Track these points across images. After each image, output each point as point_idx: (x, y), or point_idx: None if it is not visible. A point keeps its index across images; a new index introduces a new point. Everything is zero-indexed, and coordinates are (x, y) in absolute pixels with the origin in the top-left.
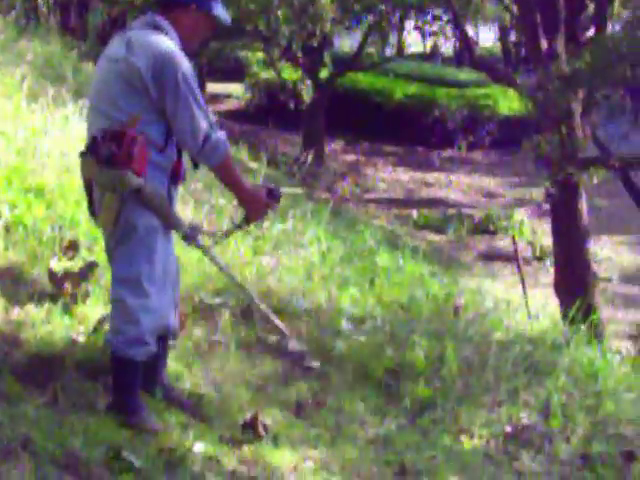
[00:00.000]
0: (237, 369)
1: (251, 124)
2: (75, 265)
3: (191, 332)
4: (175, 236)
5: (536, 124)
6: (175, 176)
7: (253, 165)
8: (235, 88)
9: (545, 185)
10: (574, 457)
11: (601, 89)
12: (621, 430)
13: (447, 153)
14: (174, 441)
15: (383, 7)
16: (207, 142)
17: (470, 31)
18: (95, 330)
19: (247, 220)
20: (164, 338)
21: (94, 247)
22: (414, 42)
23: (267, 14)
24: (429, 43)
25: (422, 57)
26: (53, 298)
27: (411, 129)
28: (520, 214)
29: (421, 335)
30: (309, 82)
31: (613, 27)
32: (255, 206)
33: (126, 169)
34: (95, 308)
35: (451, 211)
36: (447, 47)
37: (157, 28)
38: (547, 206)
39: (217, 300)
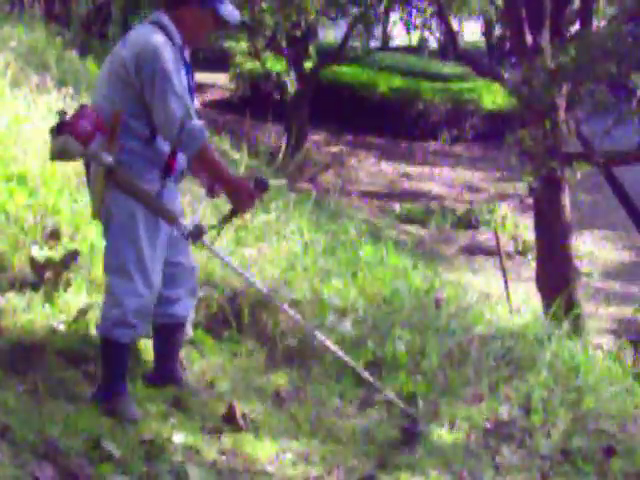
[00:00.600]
0: (218, 360)
1: (234, 114)
2: (57, 254)
3: None
4: None
5: (520, 118)
6: (168, 169)
7: (235, 155)
8: (219, 78)
9: (528, 180)
10: (554, 452)
11: (585, 84)
12: (601, 425)
13: (430, 146)
14: (154, 431)
15: None
16: (182, 131)
17: (455, 25)
18: (76, 319)
19: (233, 212)
20: (177, 326)
21: (76, 236)
22: (399, 35)
23: (252, 4)
24: (414, 36)
25: (407, 50)
26: (34, 286)
27: (395, 122)
28: (503, 208)
29: (403, 328)
30: (293, 73)
31: (598, 22)
32: (241, 197)
33: (68, 135)
34: (76, 297)
35: (434, 204)
36: (432, 41)
37: (157, 25)
38: (530, 200)
39: (201, 292)
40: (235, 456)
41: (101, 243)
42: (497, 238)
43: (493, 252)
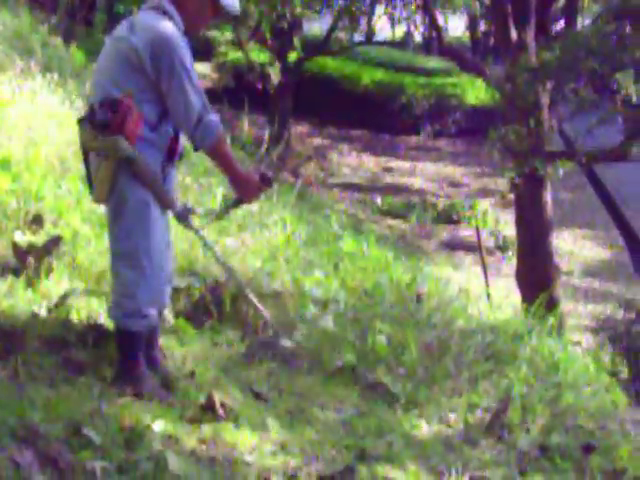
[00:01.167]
0: (198, 349)
1: (217, 104)
2: (39, 239)
3: None
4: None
5: (503, 115)
6: (171, 155)
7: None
8: (203, 68)
9: (510, 176)
10: (533, 447)
11: (569, 82)
12: (580, 422)
13: (413, 140)
14: (134, 419)
15: None
16: (200, 124)
17: (440, 19)
18: (57, 305)
19: (239, 202)
20: (160, 314)
21: (59, 221)
22: (384, 28)
23: None
24: (398, 30)
25: (391, 44)
26: (16, 272)
27: (377, 115)
28: (484, 204)
29: (384, 321)
30: (277, 64)
31: (583, 20)
32: (248, 189)
33: (118, 134)
34: (58, 283)
35: (415, 199)
36: (416, 35)
37: (162, 11)
38: (511, 197)
39: (183, 282)
40: (214, 445)
41: (84, 229)
42: (478, 234)
43: (473, 247)
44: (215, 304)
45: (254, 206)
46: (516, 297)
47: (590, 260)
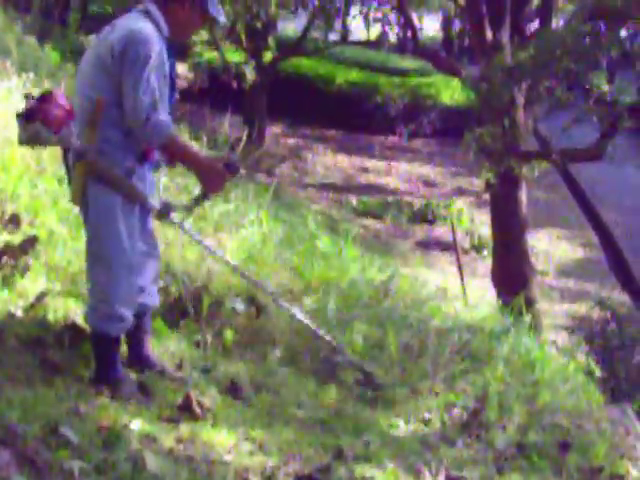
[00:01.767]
0: (175, 349)
1: (193, 104)
2: (16, 239)
3: None
4: None
5: (478, 115)
6: (144, 157)
7: (194, 146)
8: (178, 68)
9: (485, 176)
10: (510, 446)
11: (544, 82)
12: (557, 420)
13: (388, 140)
14: (112, 418)
15: None
16: (148, 123)
17: (415, 19)
18: (33, 305)
19: (205, 194)
20: (146, 314)
21: (35, 221)
22: (358, 29)
23: None
24: (373, 30)
25: (366, 44)
26: None
27: (352, 115)
28: (459, 204)
29: (360, 320)
30: (252, 64)
31: (558, 21)
32: (212, 179)
33: (39, 122)
34: (35, 282)
35: (390, 198)
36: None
37: (146, 15)
38: (486, 196)
39: (160, 281)
40: (192, 445)
41: (60, 229)
42: (454, 233)
43: (449, 247)
44: (192, 304)
45: (230, 206)
46: (492, 296)
47: (565, 259)
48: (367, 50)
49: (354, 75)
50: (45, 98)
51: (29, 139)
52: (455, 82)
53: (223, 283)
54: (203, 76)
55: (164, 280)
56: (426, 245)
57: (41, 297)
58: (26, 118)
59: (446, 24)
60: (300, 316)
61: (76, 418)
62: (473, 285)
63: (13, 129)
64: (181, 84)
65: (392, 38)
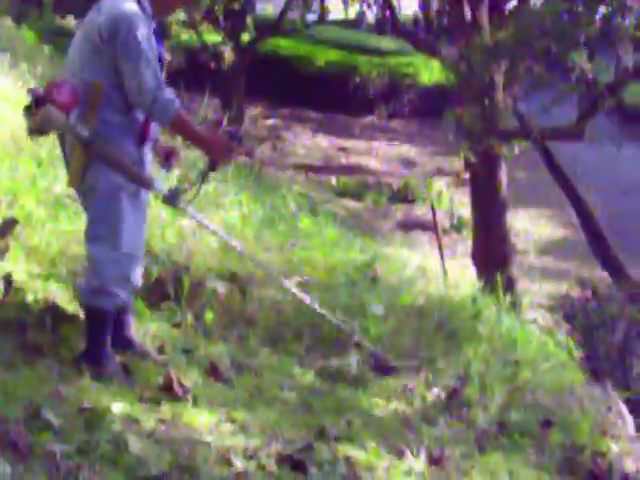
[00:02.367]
0: (156, 331)
1: (171, 86)
2: None
3: None
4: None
5: (457, 95)
6: (143, 137)
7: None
8: None
9: (465, 156)
10: (492, 425)
11: (524, 62)
12: (538, 399)
13: (367, 121)
14: (93, 400)
15: None
16: (155, 103)
17: None
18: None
19: (212, 166)
20: (129, 295)
21: (14, 204)
22: (337, 8)
23: None
24: (351, 10)
25: (344, 24)
26: None
27: (331, 96)
28: (439, 184)
29: (341, 300)
30: (230, 45)
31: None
32: (218, 150)
33: (49, 105)
34: (14, 264)
35: (370, 179)
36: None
37: None
38: (466, 176)
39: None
40: (174, 426)
41: (39, 211)
42: (434, 213)
43: (429, 227)
44: (173, 286)
45: (209, 186)
46: (472, 276)
47: (545, 238)
48: (346, 30)
49: (333, 55)
50: (53, 85)
51: (40, 125)
52: (434, 62)
53: (204, 264)
54: (181, 57)
55: (145, 262)
56: (406, 225)
57: (7, 279)
58: (36, 104)
59: (425, 3)
60: (308, 301)
61: (57, 400)
62: (453, 265)
63: None
64: None
65: (370, 18)
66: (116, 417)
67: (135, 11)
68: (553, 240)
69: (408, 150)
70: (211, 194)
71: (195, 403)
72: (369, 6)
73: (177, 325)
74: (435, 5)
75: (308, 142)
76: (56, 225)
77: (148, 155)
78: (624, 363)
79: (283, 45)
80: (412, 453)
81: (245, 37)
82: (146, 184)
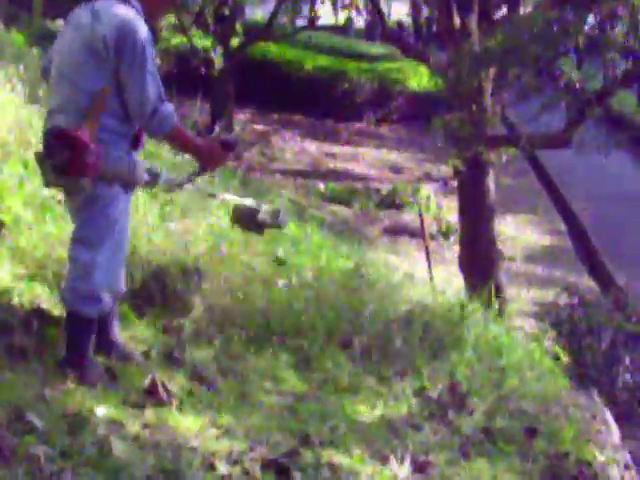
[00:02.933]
0: (141, 335)
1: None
2: None
3: None
4: None
5: (446, 101)
6: (135, 143)
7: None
8: None
9: (453, 162)
10: (477, 431)
11: (512, 69)
12: (523, 406)
13: (355, 126)
14: (77, 403)
15: None
16: (155, 116)
17: (383, 5)
18: None
19: (204, 170)
20: (115, 298)
21: (1, 206)
22: (326, 14)
23: None
24: (341, 15)
25: (334, 29)
26: None
27: (320, 101)
28: (427, 190)
29: (328, 305)
30: (220, 50)
31: (525, 7)
32: (212, 159)
33: (79, 175)
34: (0, 267)
35: (358, 184)
36: (358, 20)
37: (123, 1)
38: (454, 183)
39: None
40: (159, 430)
41: (26, 214)
42: (422, 219)
43: (416, 233)
44: (158, 290)
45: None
46: (459, 282)
47: (532, 245)
48: (335, 35)
49: (322, 60)
50: (78, 147)
51: (68, 190)
52: (423, 68)
53: (189, 267)
54: (171, 61)
55: (130, 266)
56: (394, 231)
57: None
58: (60, 169)
59: (415, 9)
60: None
61: (42, 403)
62: (441, 271)
63: None
64: None
65: (360, 23)
66: (100, 421)
67: (138, 18)
68: (540, 247)
69: (396, 156)
70: (198, 199)
71: (180, 407)
72: (359, 12)
73: (162, 329)
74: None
75: (296, 147)
76: (42, 227)
77: (137, 158)
78: (610, 370)
79: (273, 50)
80: (397, 459)
81: (235, 42)
82: (140, 181)
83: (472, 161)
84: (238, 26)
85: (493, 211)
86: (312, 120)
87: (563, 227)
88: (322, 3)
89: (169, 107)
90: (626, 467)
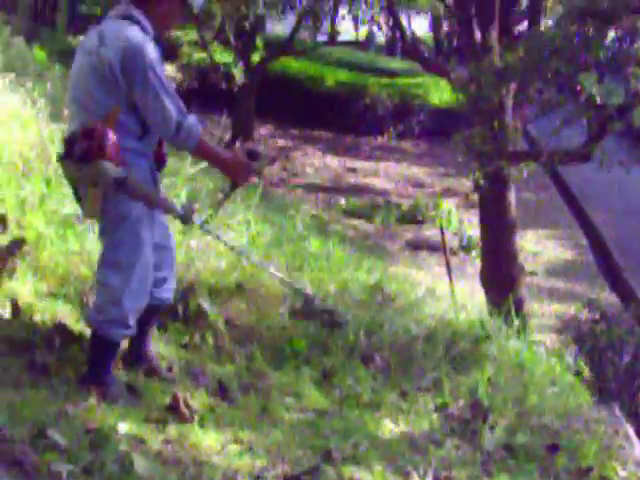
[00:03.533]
0: (164, 350)
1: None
2: (3, 240)
3: None
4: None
5: (467, 116)
6: (158, 161)
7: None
8: (167, 68)
9: (474, 177)
10: (498, 447)
11: (533, 83)
12: (545, 422)
13: (376, 141)
14: (99, 420)
15: None
16: (180, 130)
17: (404, 20)
18: (15, 308)
19: (233, 186)
20: (154, 311)
21: (22, 222)
22: (347, 29)
23: None
24: (362, 31)
25: (355, 44)
26: None
27: (341, 116)
28: (448, 204)
29: (351, 321)
30: (241, 65)
31: (547, 22)
32: (238, 172)
33: (101, 160)
34: (22, 284)
35: (379, 199)
36: (379, 36)
37: (129, 19)
38: (475, 197)
39: None
40: (180, 446)
41: (47, 231)
42: (442, 234)
43: (437, 248)
44: (181, 306)
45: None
46: (481, 297)
47: (554, 260)
48: (356, 51)
49: (342, 76)
50: (95, 136)
51: (94, 179)
52: (444, 83)
53: (212, 284)
54: (192, 77)
55: None
56: (415, 246)
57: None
58: (78, 158)
59: (436, 25)
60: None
61: (64, 420)
62: (462, 286)
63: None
64: None
65: (381, 39)
66: (122, 437)
67: (143, 37)
68: (562, 261)
69: (417, 171)
70: (219, 215)
71: (201, 424)
72: (379, 27)
73: (185, 346)
74: (445, 26)
75: (317, 162)
76: (64, 245)
77: (159, 179)
78: (632, 385)
79: (293, 65)
80: (418, 475)
81: (255, 57)
82: (168, 210)
83: (493, 176)
84: (259, 41)
85: (514, 225)
86: (333, 135)
87: (585, 242)
88: (343, 19)
89: (192, 119)
90: None
